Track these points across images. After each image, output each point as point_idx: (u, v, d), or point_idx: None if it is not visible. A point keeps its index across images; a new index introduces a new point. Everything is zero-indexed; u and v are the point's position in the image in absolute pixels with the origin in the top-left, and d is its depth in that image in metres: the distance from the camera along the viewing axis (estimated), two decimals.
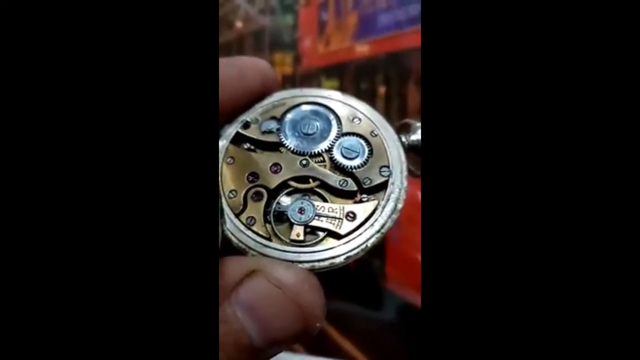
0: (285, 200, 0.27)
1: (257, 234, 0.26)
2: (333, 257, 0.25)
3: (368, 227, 0.26)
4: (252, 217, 0.26)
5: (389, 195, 0.26)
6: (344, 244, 0.25)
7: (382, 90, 0.67)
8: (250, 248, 0.25)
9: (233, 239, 0.26)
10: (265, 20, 0.78)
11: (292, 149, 0.28)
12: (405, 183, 0.27)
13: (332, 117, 0.29)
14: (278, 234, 0.26)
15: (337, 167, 0.27)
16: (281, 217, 0.26)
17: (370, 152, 0.28)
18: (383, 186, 0.27)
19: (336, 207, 0.26)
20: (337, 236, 0.25)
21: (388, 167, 0.27)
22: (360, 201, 0.26)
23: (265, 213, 0.26)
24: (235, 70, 0.28)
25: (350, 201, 0.27)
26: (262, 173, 0.27)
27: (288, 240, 0.25)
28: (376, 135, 0.28)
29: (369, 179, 0.27)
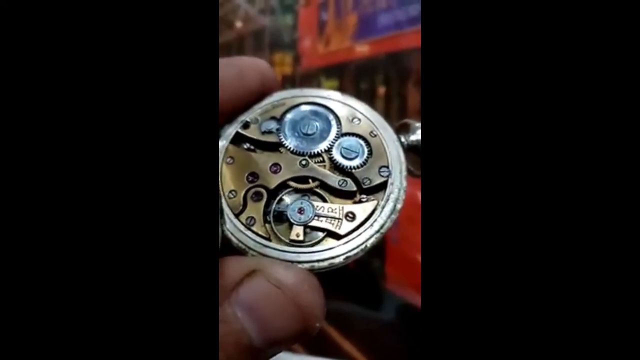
0: (285, 200, 0.27)
1: (257, 234, 0.26)
2: (332, 257, 0.25)
3: (367, 227, 0.26)
4: (252, 217, 0.26)
5: (388, 196, 0.26)
6: (343, 244, 0.25)
7: (381, 90, 0.67)
8: (250, 248, 0.25)
9: (233, 239, 0.26)
10: (265, 20, 0.78)
11: (291, 149, 0.28)
12: (404, 183, 0.27)
13: (331, 117, 0.29)
14: (278, 234, 0.26)
15: (336, 167, 0.27)
16: (281, 217, 0.26)
17: (370, 152, 0.28)
18: (382, 186, 0.27)
19: (336, 207, 0.26)
20: (337, 236, 0.25)
21: (387, 167, 0.27)
22: (360, 201, 0.27)
23: (265, 213, 0.26)
24: (235, 70, 0.29)
25: (349, 201, 0.27)
26: (262, 173, 0.27)
27: (288, 241, 0.25)
28: (375, 136, 0.28)
29: (369, 179, 0.27)
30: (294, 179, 0.27)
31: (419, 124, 0.29)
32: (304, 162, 0.27)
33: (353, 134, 0.28)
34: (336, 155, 0.28)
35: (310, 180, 0.27)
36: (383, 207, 0.26)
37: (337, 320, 0.58)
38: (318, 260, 0.25)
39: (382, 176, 0.27)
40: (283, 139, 0.28)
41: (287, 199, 0.27)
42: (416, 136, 0.28)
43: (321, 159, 0.28)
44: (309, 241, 0.25)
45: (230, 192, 0.27)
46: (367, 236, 0.25)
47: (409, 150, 0.28)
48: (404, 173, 0.27)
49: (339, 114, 0.29)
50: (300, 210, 0.26)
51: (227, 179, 0.27)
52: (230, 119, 0.29)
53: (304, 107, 0.29)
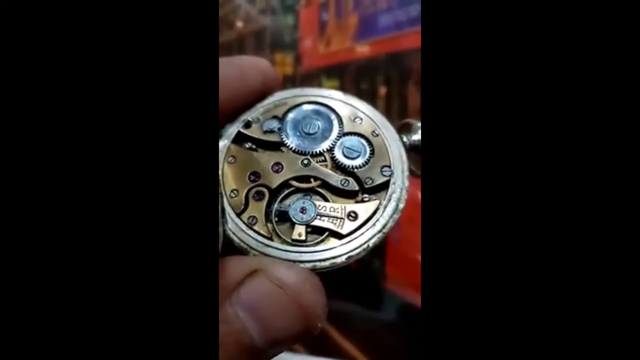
0: (286, 200, 0.27)
1: (259, 233, 0.26)
2: (334, 257, 0.25)
3: (370, 227, 0.26)
4: (254, 217, 0.26)
5: (390, 195, 0.26)
6: (345, 243, 0.25)
7: (382, 90, 0.67)
8: (251, 248, 0.25)
9: (234, 238, 0.25)
10: (265, 20, 0.78)
11: (293, 148, 0.28)
12: (406, 183, 0.27)
13: (333, 116, 0.29)
14: (279, 233, 0.26)
15: (338, 166, 0.27)
16: (283, 216, 0.26)
17: (372, 151, 0.28)
18: (384, 186, 0.27)
19: (338, 206, 0.26)
20: (339, 236, 0.25)
21: (389, 166, 0.27)
22: (362, 201, 0.26)
23: (267, 212, 0.26)
24: (236, 69, 0.28)
25: (351, 201, 0.27)
26: (264, 172, 0.27)
27: (289, 240, 0.25)
28: (377, 135, 0.28)
29: (371, 179, 0.27)
30: (296, 179, 0.27)
31: (420, 124, 0.29)
32: (305, 162, 0.27)
33: (355, 134, 0.28)
34: (338, 154, 0.27)
35: (312, 180, 0.27)
36: (385, 207, 0.26)
37: (338, 320, 0.58)
38: (320, 260, 0.25)
39: (384, 176, 0.27)
40: (285, 138, 0.28)
41: (289, 199, 0.27)
42: (418, 136, 0.28)
43: (323, 158, 0.28)
44: (311, 241, 0.25)
45: (232, 191, 0.27)
46: (369, 236, 0.25)
47: (411, 149, 0.28)
48: (406, 173, 0.27)
49: (341, 113, 0.29)
50: (302, 210, 0.26)
51: (229, 178, 0.27)
52: (231, 118, 0.29)
53: (306, 107, 0.29)
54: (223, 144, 0.28)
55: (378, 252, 0.59)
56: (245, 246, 0.25)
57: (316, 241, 0.25)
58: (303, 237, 0.25)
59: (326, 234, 0.25)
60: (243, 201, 0.26)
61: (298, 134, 0.28)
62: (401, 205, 0.26)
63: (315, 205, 0.26)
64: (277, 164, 0.27)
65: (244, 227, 0.26)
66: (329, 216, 0.26)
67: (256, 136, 0.28)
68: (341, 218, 0.26)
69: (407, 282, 0.58)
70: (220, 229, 0.23)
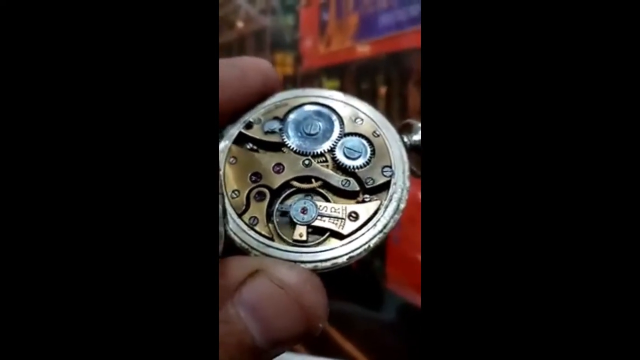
0: (288, 200, 0.27)
1: (260, 234, 0.26)
2: (335, 257, 0.25)
3: (371, 227, 0.26)
4: (255, 217, 0.26)
5: (391, 195, 0.26)
6: (346, 244, 0.25)
7: (383, 90, 0.67)
8: (252, 248, 0.25)
9: (236, 238, 0.26)
10: (266, 20, 0.78)
11: (294, 149, 0.28)
12: (407, 183, 0.27)
13: (334, 117, 0.29)
14: (281, 234, 0.26)
15: (339, 167, 0.27)
16: (284, 217, 0.26)
17: (373, 152, 0.28)
18: (385, 186, 0.27)
19: (339, 207, 0.26)
20: (340, 236, 0.25)
21: (390, 167, 0.27)
22: (363, 201, 0.27)
23: (268, 213, 0.26)
24: (237, 70, 0.29)
25: (352, 201, 0.27)
26: (265, 173, 0.27)
27: (291, 241, 0.25)
28: (378, 136, 0.28)
29: (372, 179, 0.27)
30: (297, 179, 0.27)
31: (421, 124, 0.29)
32: (306, 162, 0.27)
33: (356, 134, 0.28)
34: (339, 155, 0.28)
35: (313, 180, 0.27)
36: (386, 207, 0.26)
37: (338, 320, 0.58)
38: (321, 260, 0.25)
39: (385, 176, 0.27)
40: (286, 139, 0.28)
41: (290, 199, 0.27)
42: (418, 136, 0.28)
43: (324, 158, 0.28)
44: (312, 241, 0.25)
45: (234, 191, 0.27)
46: (371, 236, 0.25)
47: (412, 150, 0.28)
48: (407, 173, 0.27)
49: (342, 114, 0.29)
50: (304, 210, 0.26)
51: (230, 179, 0.27)
52: (233, 119, 0.29)
53: (307, 107, 0.29)
54: (224, 144, 0.28)
55: (378, 252, 0.59)
56: (246, 246, 0.25)
57: (317, 241, 0.25)
58: (304, 238, 0.25)
59: (327, 234, 0.26)
60: (244, 202, 0.26)
61: (299, 134, 0.28)
62: (402, 206, 0.26)
63: (316, 205, 0.26)
64: (279, 164, 0.27)
65: (245, 227, 0.26)
66: (330, 216, 0.26)
67: (257, 137, 0.28)
68: (342, 218, 0.26)
69: (408, 282, 0.58)
70: (222, 230, 0.23)
